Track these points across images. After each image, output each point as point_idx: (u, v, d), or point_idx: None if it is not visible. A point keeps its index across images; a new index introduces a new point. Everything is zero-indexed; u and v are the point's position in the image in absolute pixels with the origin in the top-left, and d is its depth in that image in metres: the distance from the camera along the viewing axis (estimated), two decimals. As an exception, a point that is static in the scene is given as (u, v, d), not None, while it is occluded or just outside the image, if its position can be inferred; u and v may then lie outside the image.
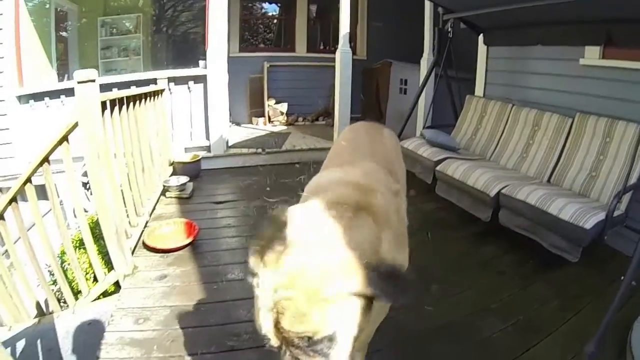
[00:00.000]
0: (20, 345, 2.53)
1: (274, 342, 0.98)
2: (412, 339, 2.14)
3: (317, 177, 1.53)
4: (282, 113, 7.77)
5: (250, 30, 8.47)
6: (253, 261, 1.02)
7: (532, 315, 2.31)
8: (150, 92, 4.08)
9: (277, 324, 0.96)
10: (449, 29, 4.66)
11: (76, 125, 2.54)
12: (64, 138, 2.60)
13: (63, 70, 6.77)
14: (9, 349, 2.48)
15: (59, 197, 4.32)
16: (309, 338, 0.94)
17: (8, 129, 5.85)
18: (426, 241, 3.20)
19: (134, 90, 3.56)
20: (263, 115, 7.72)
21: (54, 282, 3.16)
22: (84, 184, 4.34)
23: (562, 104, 3.71)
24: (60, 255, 3.29)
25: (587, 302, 2.43)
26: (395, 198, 1.43)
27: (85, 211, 3.73)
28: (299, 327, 0.93)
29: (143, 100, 3.78)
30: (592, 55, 3.45)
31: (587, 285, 2.62)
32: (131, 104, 3.37)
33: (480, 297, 2.51)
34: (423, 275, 2.65)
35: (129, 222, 3.18)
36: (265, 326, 0.98)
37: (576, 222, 2.54)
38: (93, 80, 2.50)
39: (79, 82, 2.46)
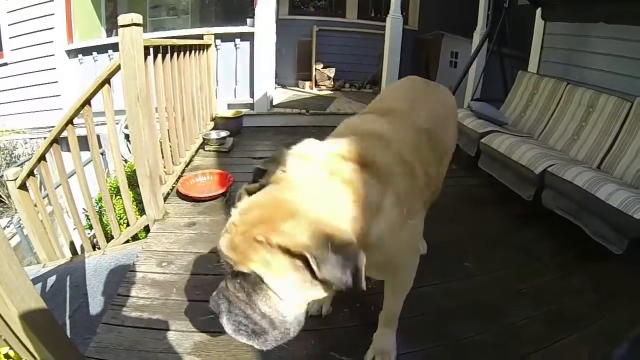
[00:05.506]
0: (51, 280, 2.67)
1: (221, 260, 1.02)
2: (436, 313, 2.06)
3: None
4: (329, 78, 7.72)
5: (301, -3, 8.34)
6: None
7: (564, 307, 2.17)
8: (195, 45, 4.09)
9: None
10: (505, -1, 4.43)
11: (118, 68, 2.55)
12: (106, 80, 2.63)
13: (112, 27, 6.91)
14: (39, 284, 2.60)
15: (101, 147, 4.46)
16: (231, 267, 0.99)
17: (57, 82, 6.14)
18: (463, 217, 3.10)
19: (179, 41, 3.55)
20: (310, 79, 7.70)
21: (90, 227, 3.26)
22: (126, 136, 4.45)
23: (622, 87, 3.44)
24: (97, 201, 3.39)
25: (624, 302, 2.25)
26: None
27: (125, 161, 3.83)
28: (228, 251, 0.98)
29: (188, 52, 3.78)
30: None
31: (626, 284, 2.42)
32: (175, 54, 3.36)
33: (513, 280, 2.39)
34: (457, 251, 2.59)
35: (164, 169, 3.23)
36: (219, 243, 1.01)
37: (625, 210, 2.34)
38: (137, 24, 2.49)
39: (122, 25, 2.45)
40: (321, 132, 1.42)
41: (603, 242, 2.52)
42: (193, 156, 4.04)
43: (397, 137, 1.33)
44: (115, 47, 5.45)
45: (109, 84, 2.65)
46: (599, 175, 2.68)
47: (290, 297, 0.98)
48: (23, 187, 3.04)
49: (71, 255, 3.12)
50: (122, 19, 2.44)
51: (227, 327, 1.02)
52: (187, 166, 3.78)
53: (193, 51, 3.99)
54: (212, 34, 4.85)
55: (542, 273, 2.48)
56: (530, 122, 3.99)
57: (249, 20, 5.37)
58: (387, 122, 1.40)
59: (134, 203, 3.00)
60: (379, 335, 1.73)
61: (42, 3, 5.87)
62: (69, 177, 2.98)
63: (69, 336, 2.07)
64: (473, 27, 5.62)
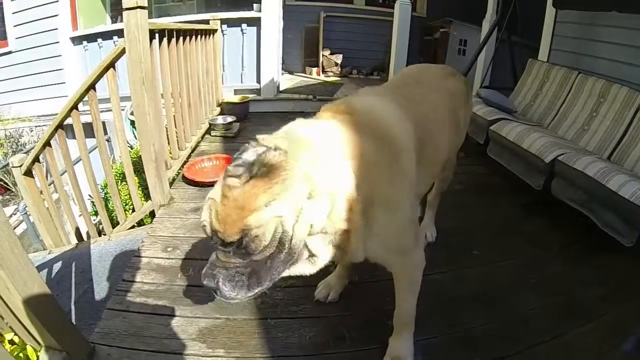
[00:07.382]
0: (57, 267, 2.67)
1: (208, 231, 1.05)
2: (444, 301, 2.04)
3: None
4: (336, 64, 7.66)
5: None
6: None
7: (572, 299, 2.13)
8: (201, 30, 4.05)
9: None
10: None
11: (123, 51, 2.52)
12: (111, 64, 2.60)
13: (116, 14, 6.87)
14: (45, 270, 2.61)
15: (106, 134, 4.45)
16: (221, 239, 1.02)
17: (62, 69, 6.12)
18: (472, 205, 3.07)
19: (184, 25, 3.51)
20: (317, 65, 7.65)
21: (95, 213, 3.26)
22: (132, 122, 4.44)
23: (634, 78, 3.38)
24: (102, 187, 3.39)
25: (634, 295, 2.21)
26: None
27: (131, 147, 3.81)
28: (217, 224, 1.01)
29: (193, 37, 3.74)
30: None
31: (636, 277, 2.37)
32: (181, 38, 3.33)
33: (521, 270, 2.35)
34: (465, 239, 2.55)
35: (170, 154, 3.21)
36: (204, 215, 1.05)
37: (637, 202, 2.30)
38: (142, 7, 2.45)
39: (127, 8, 2.41)
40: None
41: (613, 233, 2.48)
42: (199, 141, 4.03)
43: (399, 127, 1.32)
44: (120, 33, 5.44)
45: (114, 68, 2.62)
46: (610, 166, 2.62)
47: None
48: (29, 173, 3.03)
49: (77, 242, 3.12)
50: (127, 1, 2.39)
51: (225, 289, 1.08)
52: (193, 151, 3.76)
53: (199, 36, 3.94)
54: (218, 19, 4.80)
55: (551, 264, 2.44)
56: (540, 111, 3.93)
57: (255, 6, 5.32)
58: (392, 107, 1.37)
59: (140, 188, 2.99)
60: (394, 340, 1.67)
61: (46, -10, 5.86)
62: (74, 164, 2.97)
63: (74, 322, 2.07)
64: (482, 14, 5.54)
